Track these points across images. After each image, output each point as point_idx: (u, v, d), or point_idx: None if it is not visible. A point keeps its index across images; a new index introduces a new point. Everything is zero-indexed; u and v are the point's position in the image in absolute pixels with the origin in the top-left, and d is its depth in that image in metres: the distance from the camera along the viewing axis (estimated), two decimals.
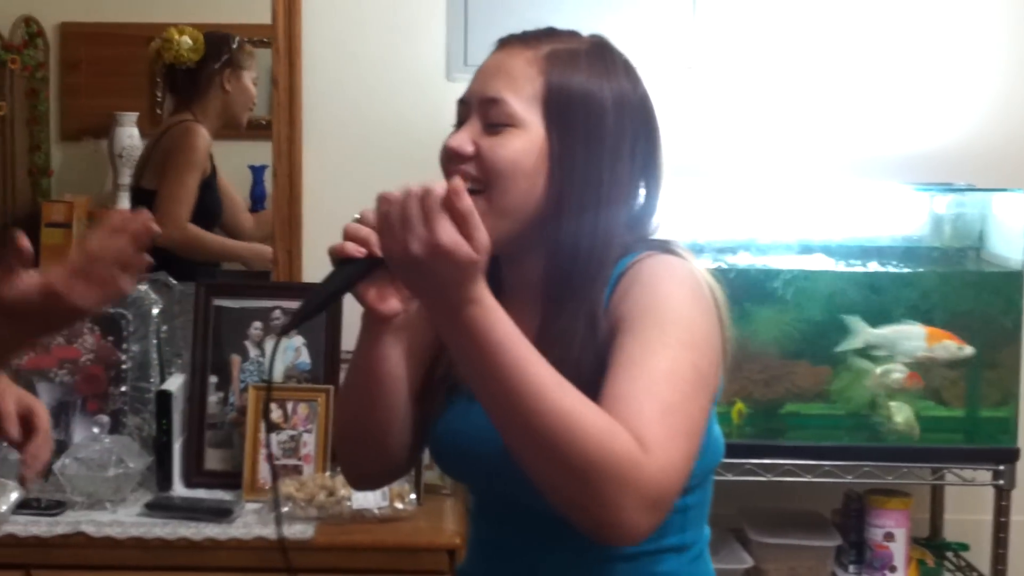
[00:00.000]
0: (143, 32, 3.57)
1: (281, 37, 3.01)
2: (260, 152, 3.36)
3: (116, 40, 3.59)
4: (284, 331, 1.50)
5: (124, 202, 3.57)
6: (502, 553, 1.63)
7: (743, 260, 2.81)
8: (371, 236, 1.43)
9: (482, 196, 1.51)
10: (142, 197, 3.38)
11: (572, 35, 1.62)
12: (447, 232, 1.30)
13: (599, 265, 1.54)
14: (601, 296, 1.53)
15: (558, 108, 1.54)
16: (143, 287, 2.94)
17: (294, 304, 2.90)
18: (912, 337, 2.74)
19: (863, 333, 2.74)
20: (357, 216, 1.47)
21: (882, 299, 2.76)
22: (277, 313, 2.92)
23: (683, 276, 1.51)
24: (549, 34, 1.60)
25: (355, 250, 1.45)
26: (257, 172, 3.41)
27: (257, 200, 3.43)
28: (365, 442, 1.65)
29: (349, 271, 1.45)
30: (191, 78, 3.39)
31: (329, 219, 3.07)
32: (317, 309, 1.45)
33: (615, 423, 1.33)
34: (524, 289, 1.59)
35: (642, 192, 1.60)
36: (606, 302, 1.52)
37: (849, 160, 3.04)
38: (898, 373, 2.74)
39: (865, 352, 2.75)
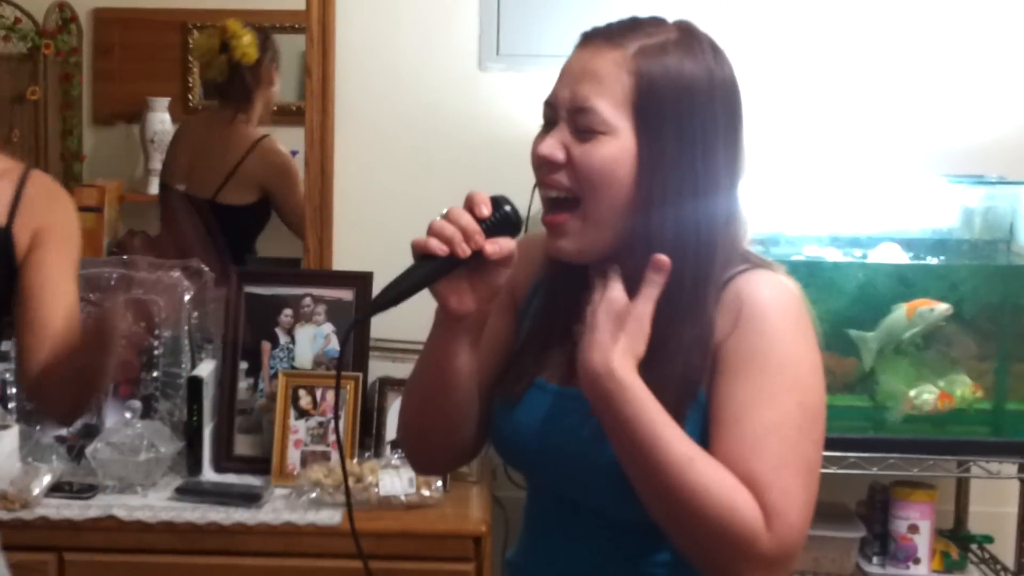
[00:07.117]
0: (175, 18, 3.60)
1: (315, 25, 3.00)
2: (286, 137, 3.39)
3: (149, 26, 3.62)
4: (360, 319, 1.52)
5: (154, 188, 3.61)
6: (552, 551, 1.63)
7: (771, 253, 2.79)
8: (455, 235, 1.45)
9: (577, 211, 1.50)
10: (225, 214, 3.41)
11: (658, 24, 1.54)
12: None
13: (707, 270, 1.49)
14: (713, 311, 1.49)
15: (648, 109, 1.48)
16: (175, 273, 2.96)
17: (325, 291, 2.92)
18: (897, 321, 2.71)
19: (869, 345, 2.72)
20: (444, 212, 1.47)
21: (911, 291, 2.73)
22: (308, 300, 2.93)
23: (790, 308, 1.49)
24: (634, 27, 1.53)
25: (438, 247, 1.46)
26: None
27: None
28: (430, 432, 1.66)
29: (430, 268, 1.47)
30: (251, 74, 3.42)
31: (360, 207, 3.13)
32: (394, 301, 1.48)
33: (739, 495, 1.40)
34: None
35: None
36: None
37: (880, 152, 3.03)
38: (929, 394, 2.73)
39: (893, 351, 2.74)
